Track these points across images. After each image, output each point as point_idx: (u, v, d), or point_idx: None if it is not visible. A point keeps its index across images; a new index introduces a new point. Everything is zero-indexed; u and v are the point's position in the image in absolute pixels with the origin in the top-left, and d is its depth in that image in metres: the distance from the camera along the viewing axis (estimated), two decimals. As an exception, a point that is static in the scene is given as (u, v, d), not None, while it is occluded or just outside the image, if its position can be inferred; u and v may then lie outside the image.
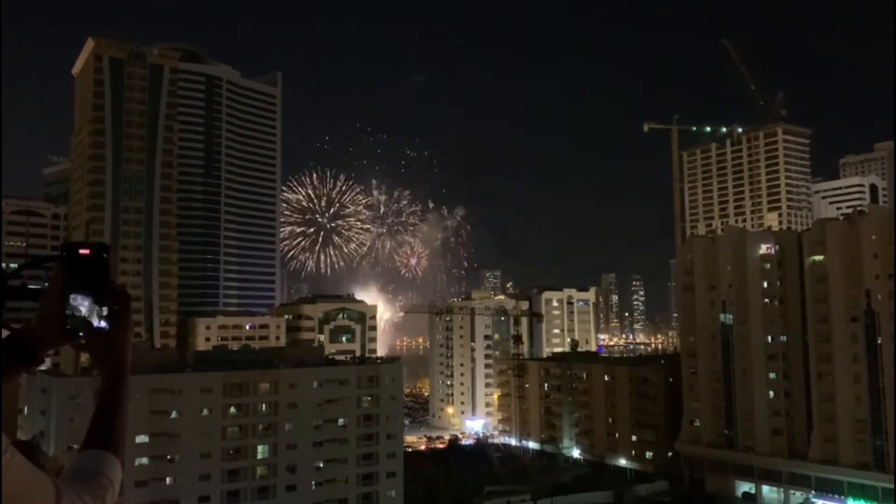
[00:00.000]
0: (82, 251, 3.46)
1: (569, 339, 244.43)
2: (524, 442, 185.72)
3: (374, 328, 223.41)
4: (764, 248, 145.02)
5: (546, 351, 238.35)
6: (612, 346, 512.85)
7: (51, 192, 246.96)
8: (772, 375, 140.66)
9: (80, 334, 3.45)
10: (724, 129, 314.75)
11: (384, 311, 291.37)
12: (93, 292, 3.43)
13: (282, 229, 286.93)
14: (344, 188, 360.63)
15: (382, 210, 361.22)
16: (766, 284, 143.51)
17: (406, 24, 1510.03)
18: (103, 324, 3.46)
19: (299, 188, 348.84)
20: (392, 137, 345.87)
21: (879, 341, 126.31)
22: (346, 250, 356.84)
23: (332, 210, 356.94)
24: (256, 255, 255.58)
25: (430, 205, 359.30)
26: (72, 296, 3.39)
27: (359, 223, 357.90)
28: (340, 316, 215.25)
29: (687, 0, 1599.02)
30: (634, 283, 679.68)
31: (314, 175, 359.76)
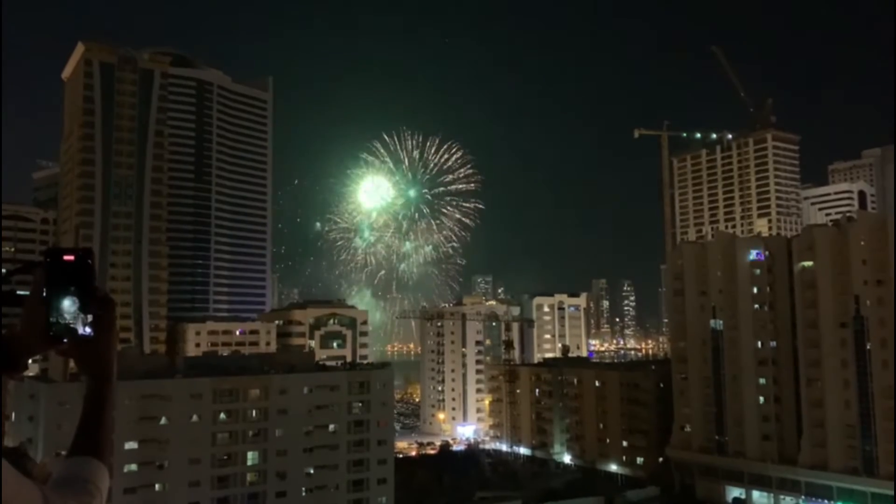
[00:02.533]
0: (66, 257, 3.44)
1: (560, 345, 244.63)
2: (515, 448, 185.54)
3: (365, 334, 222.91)
4: (754, 254, 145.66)
5: (537, 356, 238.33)
6: (603, 352, 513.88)
7: (40, 197, 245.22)
8: (762, 381, 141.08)
9: (64, 340, 3.43)
10: (713, 136, 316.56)
11: (375, 316, 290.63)
12: (77, 298, 3.41)
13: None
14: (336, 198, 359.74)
15: (374, 217, 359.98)
16: (756, 290, 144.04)
17: (398, 24, 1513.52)
18: (87, 330, 3.44)
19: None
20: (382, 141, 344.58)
21: (868, 346, 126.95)
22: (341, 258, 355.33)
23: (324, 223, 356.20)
24: (247, 260, 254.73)
25: (423, 210, 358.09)
26: (56, 302, 3.38)
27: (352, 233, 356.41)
28: (331, 322, 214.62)
29: (677, 7, 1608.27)
30: (625, 288, 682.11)
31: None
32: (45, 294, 3.38)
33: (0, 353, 3.39)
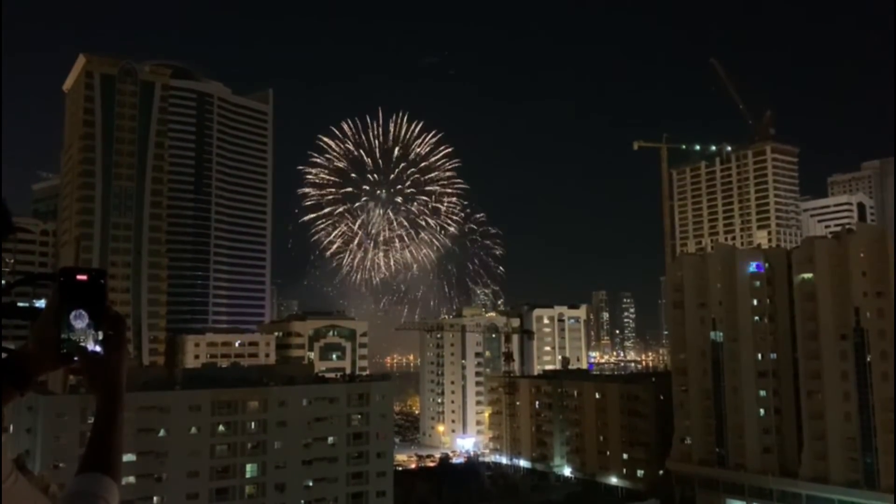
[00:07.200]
0: (80, 277, 3.48)
1: (560, 357, 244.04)
2: (515, 460, 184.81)
3: (364, 345, 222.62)
4: (754, 266, 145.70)
5: (537, 369, 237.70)
6: (603, 364, 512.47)
7: (40, 209, 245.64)
8: (762, 393, 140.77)
9: (75, 358, 3.46)
10: (713, 148, 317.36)
11: (375, 327, 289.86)
12: (89, 317, 3.45)
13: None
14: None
15: (372, 227, 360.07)
16: (755, 302, 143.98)
17: (396, 46, 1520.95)
18: (98, 348, 3.48)
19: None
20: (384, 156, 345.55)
21: (868, 359, 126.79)
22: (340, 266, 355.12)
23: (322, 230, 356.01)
24: (247, 271, 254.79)
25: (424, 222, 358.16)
26: (68, 320, 3.43)
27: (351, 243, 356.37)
28: (331, 333, 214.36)
29: (676, 19, 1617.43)
30: (625, 300, 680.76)
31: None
32: (58, 312, 3.42)
33: (12, 371, 3.41)
